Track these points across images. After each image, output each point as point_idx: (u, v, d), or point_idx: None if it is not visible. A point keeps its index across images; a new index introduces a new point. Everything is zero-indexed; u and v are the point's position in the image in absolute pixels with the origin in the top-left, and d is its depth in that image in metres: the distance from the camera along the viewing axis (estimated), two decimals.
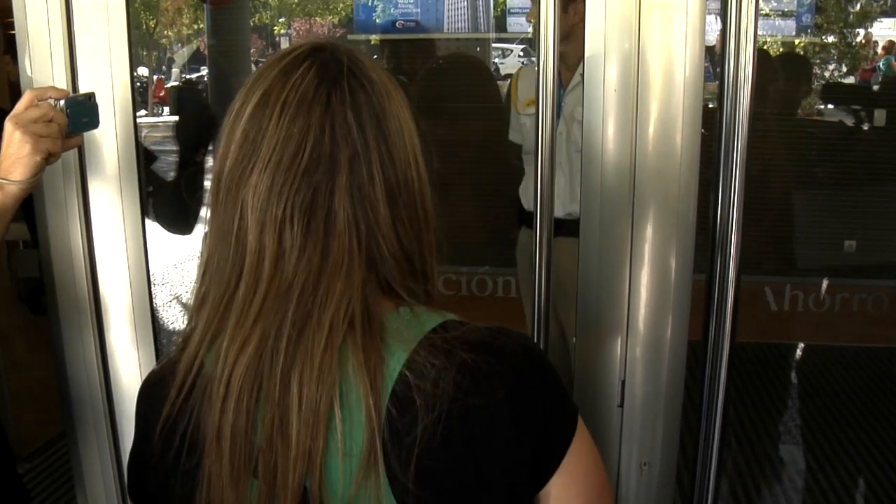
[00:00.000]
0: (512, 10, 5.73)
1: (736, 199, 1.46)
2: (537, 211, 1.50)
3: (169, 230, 2.60)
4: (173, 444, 0.91)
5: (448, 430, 0.83)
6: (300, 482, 0.84)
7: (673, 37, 1.52)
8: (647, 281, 1.58)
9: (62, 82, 1.72)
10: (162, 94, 9.48)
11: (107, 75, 1.73)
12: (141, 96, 9.56)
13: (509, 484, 0.87)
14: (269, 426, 0.84)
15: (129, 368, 1.89)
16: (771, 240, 3.74)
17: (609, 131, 1.55)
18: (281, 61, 0.90)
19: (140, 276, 1.83)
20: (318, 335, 0.84)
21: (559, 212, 1.57)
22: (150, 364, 1.85)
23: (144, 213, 1.81)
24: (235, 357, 0.86)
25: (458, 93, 4.11)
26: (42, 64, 1.74)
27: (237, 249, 0.88)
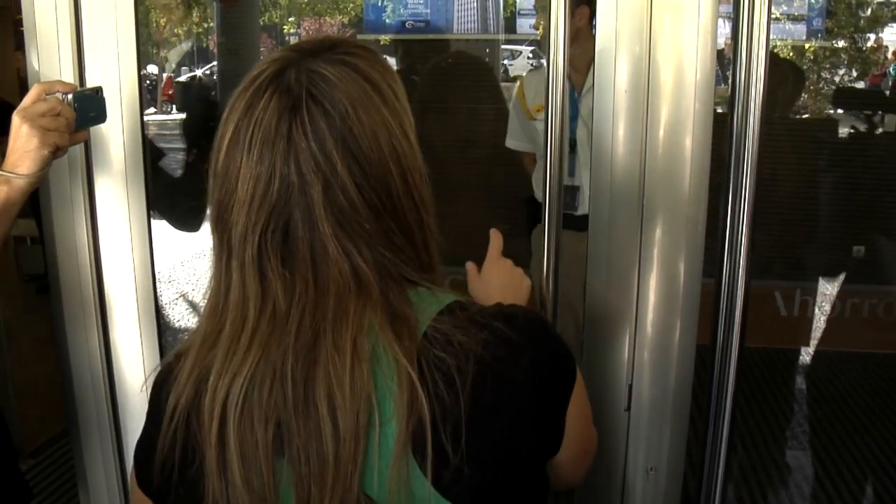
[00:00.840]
0: (521, 12, 5.72)
1: (746, 203, 1.44)
2: (545, 207, 1.50)
3: (176, 227, 2.60)
4: (175, 453, 0.93)
5: (482, 393, 0.86)
6: (341, 497, 0.85)
7: (684, 39, 1.50)
8: (655, 284, 1.57)
9: (69, 77, 1.71)
10: (171, 91, 9.48)
11: (114, 71, 1.72)
12: (150, 94, 9.57)
13: (533, 441, 0.92)
14: (297, 453, 0.85)
15: (134, 366, 1.88)
16: (780, 244, 3.72)
17: (619, 133, 1.54)
18: (246, 91, 0.90)
19: (145, 272, 1.82)
20: (338, 357, 0.86)
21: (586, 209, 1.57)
22: (155, 361, 1.84)
23: (150, 210, 1.79)
24: (223, 393, 0.88)
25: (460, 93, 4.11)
26: (49, 58, 1.73)
27: (226, 284, 0.92)
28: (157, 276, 1.85)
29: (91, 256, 1.82)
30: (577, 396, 0.98)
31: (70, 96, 1.44)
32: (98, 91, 1.53)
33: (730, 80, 1.48)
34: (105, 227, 1.81)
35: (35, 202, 1.71)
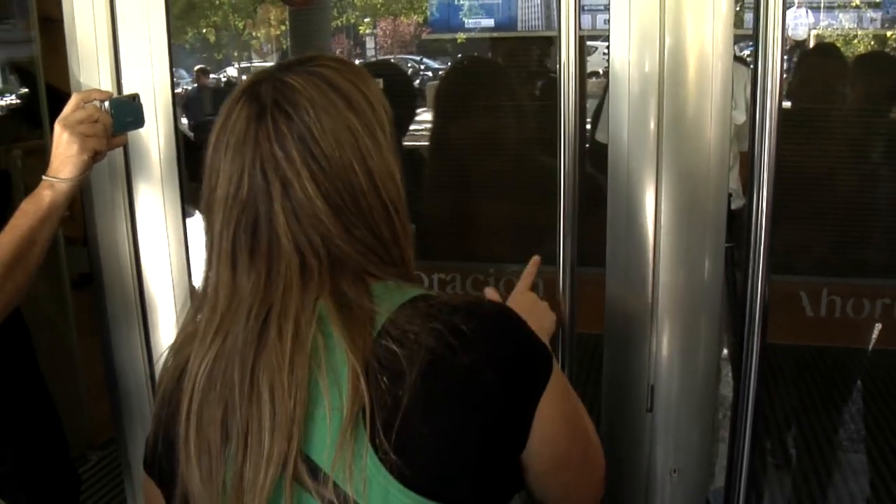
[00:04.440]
0: (585, 8, 5.67)
1: (764, 200, 1.42)
2: (560, 204, 1.50)
3: None
4: (158, 439, 1.04)
5: (430, 385, 0.90)
6: (272, 484, 0.90)
7: (704, 27, 1.47)
8: (675, 283, 1.54)
9: (107, 85, 1.78)
10: None
11: (148, 78, 1.78)
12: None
13: (491, 437, 0.94)
14: (240, 430, 0.92)
15: None
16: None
17: (635, 126, 1.52)
18: (227, 103, 1.00)
19: (182, 272, 1.87)
20: (281, 344, 0.92)
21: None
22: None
23: (185, 213, 1.85)
24: (195, 372, 0.96)
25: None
26: (89, 67, 1.80)
27: (207, 275, 1.01)
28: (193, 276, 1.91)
29: (132, 258, 1.88)
30: (554, 396, 0.99)
31: (107, 103, 1.53)
32: (135, 98, 1.61)
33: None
34: (144, 230, 1.87)
35: None
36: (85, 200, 1.87)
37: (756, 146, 1.45)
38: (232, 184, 0.96)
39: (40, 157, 3.94)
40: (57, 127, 1.49)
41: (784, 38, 1.38)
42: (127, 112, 1.58)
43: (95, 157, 1.51)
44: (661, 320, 1.56)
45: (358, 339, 0.91)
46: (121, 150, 1.78)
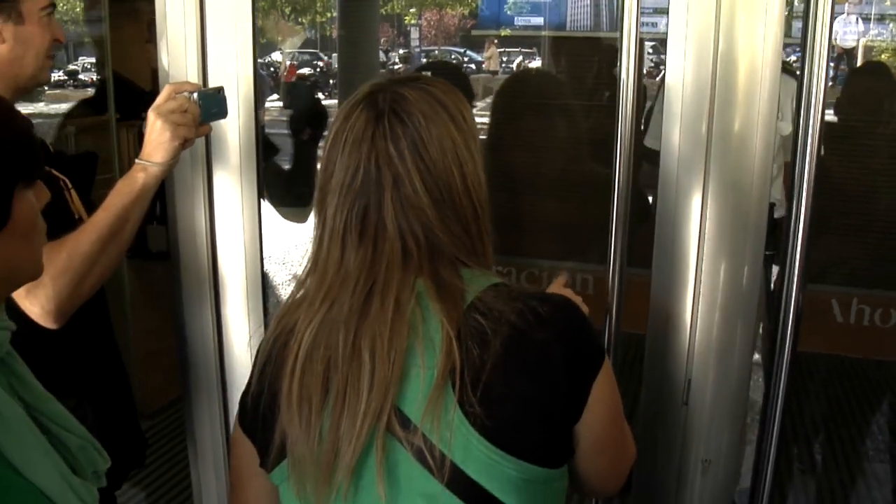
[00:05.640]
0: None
1: (803, 208, 1.52)
2: (613, 205, 1.61)
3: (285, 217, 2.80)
4: (262, 391, 1.17)
5: (510, 352, 1.05)
6: (367, 433, 1.05)
7: (755, 35, 1.56)
8: (715, 284, 1.65)
9: (194, 75, 1.92)
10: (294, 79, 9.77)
11: (233, 71, 1.91)
12: (274, 81, 9.93)
13: (553, 403, 1.08)
14: (339, 387, 1.07)
15: (241, 338, 2.07)
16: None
17: (685, 129, 1.62)
18: (346, 107, 1.16)
19: (254, 254, 2.01)
20: (384, 313, 1.07)
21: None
22: (259, 334, 2.02)
23: (261, 198, 1.99)
24: (302, 332, 1.11)
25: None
26: (177, 59, 1.94)
27: (318, 251, 1.16)
28: (271, 258, 2.04)
29: (207, 238, 2.02)
30: (606, 380, 1.14)
31: (196, 95, 1.65)
32: (220, 90, 1.74)
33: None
34: (221, 213, 2.01)
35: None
36: (167, 184, 2.00)
37: (798, 156, 1.54)
38: (348, 174, 1.11)
39: (92, 135, 4.10)
40: (151, 114, 1.61)
41: (831, 47, 1.47)
42: (213, 103, 1.71)
43: (185, 144, 1.64)
44: (701, 320, 1.67)
45: (452, 311, 1.07)
46: (202, 138, 1.92)
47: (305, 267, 1.18)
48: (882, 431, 3.75)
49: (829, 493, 3.33)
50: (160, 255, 2.44)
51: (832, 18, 1.48)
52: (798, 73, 1.56)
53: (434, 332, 1.06)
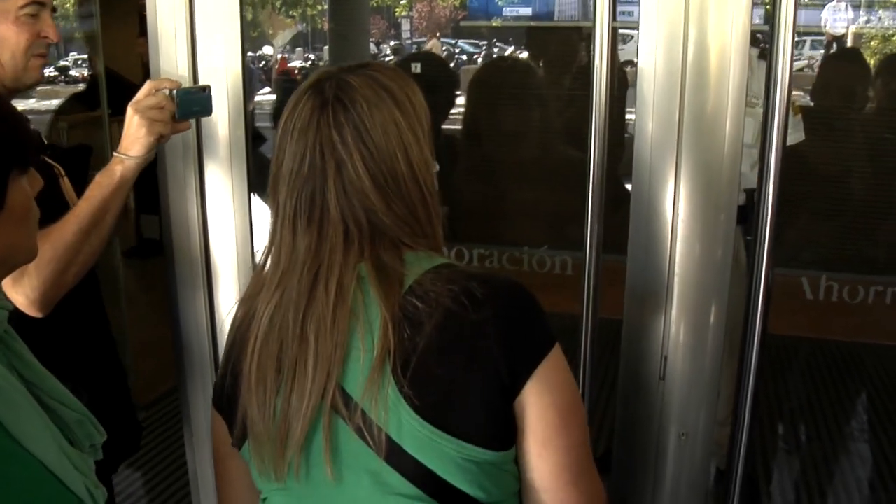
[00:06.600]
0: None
1: (770, 189, 1.58)
2: (589, 193, 1.68)
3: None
4: (227, 373, 1.25)
5: (443, 335, 1.10)
6: (313, 410, 1.12)
7: (725, 20, 1.61)
8: (689, 262, 1.71)
9: (184, 70, 1.98)
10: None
11: (221, 66, 1.97)
12: (266, 74, 9.97)
13: (489, 385, 1.11)
14: (289, 367, 1.14)
15: None
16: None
17: (658, 113, 1.67)
18: (295, 95, 1.20)
19: (245, 243, 2.07)
20: (327, 297, 1.13)
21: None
22: None
23: (251, 189, 2.04)
24: (260, 316, 1.17)
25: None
26: (168, 54, 2.00)
27: (273, 237, 1.20)
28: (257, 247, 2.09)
29: (199, 228, 2.08)
30: (553, 373, 1.14)
31: (174, 92, 1.70)
32: (206, 89, 1.79)
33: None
34: (212, 203, 2.07)
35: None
36: (159, 176, 2.07)
37: (764, 141, 1.60)
38: (296, 161, 1.15)
39: (84, 130, 4.16)
40: (129, 110, 1.68)
41: (794, 34, 1.52)
42: (194, 101, 1.76)
43: (160, 139, 1.70)
44: (676, 297, 1.73)
45: (390, 296, 1.11)
46: (193, 131, 1.98)
47: (264, 253, 1.23)
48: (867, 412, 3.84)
49: (812, 470, 3.40)
50: (152, 244, 2.49)
51: (796, 3, 1.53)
52: (767, 62, 1.61)
53: (374, 316, 1.11)
